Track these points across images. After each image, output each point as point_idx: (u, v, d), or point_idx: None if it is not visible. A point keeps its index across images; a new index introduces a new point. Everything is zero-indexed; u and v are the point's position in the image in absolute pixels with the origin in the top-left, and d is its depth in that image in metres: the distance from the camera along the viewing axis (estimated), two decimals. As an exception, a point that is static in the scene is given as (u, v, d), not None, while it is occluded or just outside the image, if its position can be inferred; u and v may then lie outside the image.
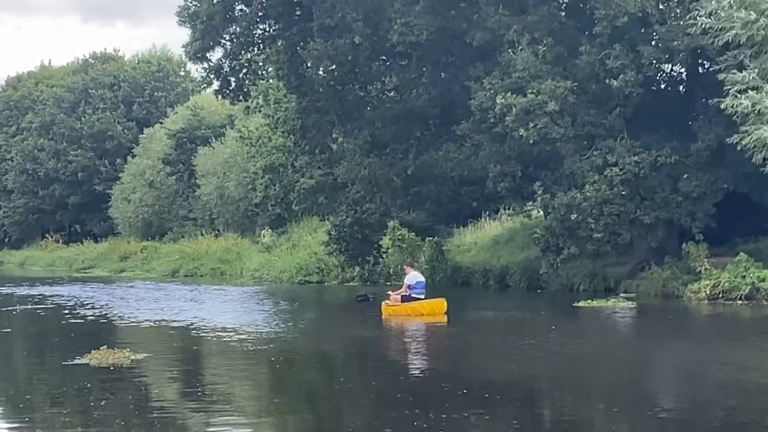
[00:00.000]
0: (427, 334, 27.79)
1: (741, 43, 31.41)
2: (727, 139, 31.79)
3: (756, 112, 30.31)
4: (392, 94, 46.85)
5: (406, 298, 31.80)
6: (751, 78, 30.78)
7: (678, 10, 35.13)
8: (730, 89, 31.01)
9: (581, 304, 32.92)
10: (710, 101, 32.88)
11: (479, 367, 20.47)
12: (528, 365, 20.25)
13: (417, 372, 20.80)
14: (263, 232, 66.10)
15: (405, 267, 35.02)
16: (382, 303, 32.23)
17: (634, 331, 28.24)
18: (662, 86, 39.04)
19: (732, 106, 30.61)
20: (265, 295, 44.35)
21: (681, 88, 39.23)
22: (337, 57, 42.51)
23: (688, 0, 33.90)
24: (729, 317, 29.32)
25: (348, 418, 15.07)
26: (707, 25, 31.77)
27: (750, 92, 30.36)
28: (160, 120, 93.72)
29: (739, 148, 31.06)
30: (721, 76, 31.67)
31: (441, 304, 31.43)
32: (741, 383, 17.38)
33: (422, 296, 31.98)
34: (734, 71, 31.17)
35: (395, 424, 14.26)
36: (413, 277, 32.47)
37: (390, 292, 33.13)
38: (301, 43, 44.45)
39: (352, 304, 35.50)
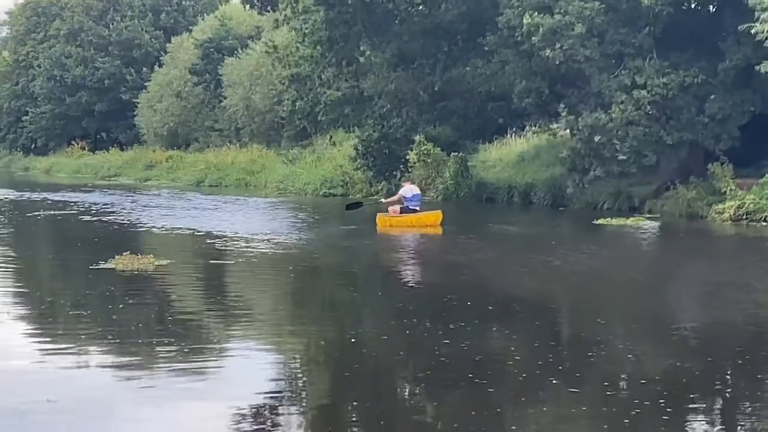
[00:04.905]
0: (435, 247, 27.97)
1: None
2: (756, 67, 31.57)
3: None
4: (421, 7, 46.49)
5: (403, 210, 32.23)
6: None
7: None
8: (759, 15, 30.73)
9: (601, 221, 32.88)
10: (740, 26, 32.52)
11: (487, 280, 20.43)
12: (539, 280, 20.09)
13: (421, 284, 20.83)
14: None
15: (403, 183, 35.15)
16: (378, 214, 32.52)
17: (653, 250, 28.22)
18: (692, 5, 38.63)
19: (762, 32, 30.37)
20: (288, 206, 44.48)
21: (711, 7, 38.78)
22: (365, -32, 42.22)
23: None
24: (753, 238, 29.22)
25: (348, 327, 15.17)
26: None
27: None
28: (188, 28, 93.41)
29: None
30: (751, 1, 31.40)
31: (437, 215, 32.00)
32: (764, 308, 17.13)
33: (418, 208, 32.52)
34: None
35: (393, 332, 14.35)
36: (409, 189, 32.91)
37: (383, 200, 33.49)
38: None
39: (371, 217, 35.31)
